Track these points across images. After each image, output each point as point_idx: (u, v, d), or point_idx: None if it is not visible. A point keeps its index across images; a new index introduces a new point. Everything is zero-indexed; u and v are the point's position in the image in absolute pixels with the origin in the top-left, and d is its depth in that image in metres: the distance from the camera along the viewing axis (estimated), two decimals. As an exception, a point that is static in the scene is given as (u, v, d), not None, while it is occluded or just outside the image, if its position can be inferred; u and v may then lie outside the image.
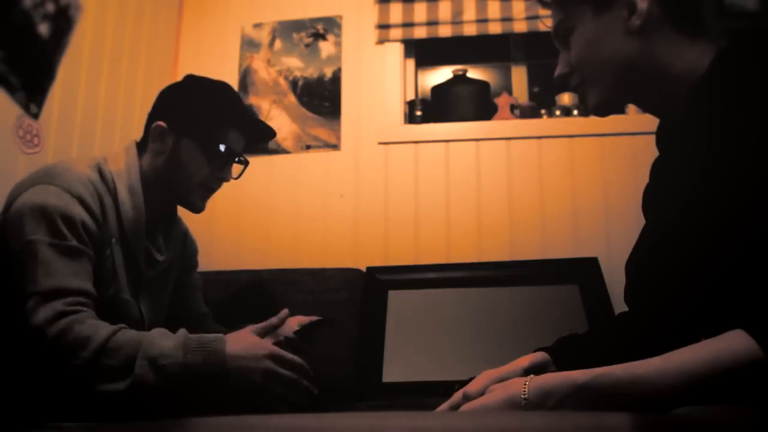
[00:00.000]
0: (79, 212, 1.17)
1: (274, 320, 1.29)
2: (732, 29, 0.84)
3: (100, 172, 1.27)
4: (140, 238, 1.30)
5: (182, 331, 1.15)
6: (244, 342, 1.16)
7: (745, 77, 0.75)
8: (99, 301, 1.17)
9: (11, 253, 1.13)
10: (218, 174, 1.37)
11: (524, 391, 0.72)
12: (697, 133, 0.80)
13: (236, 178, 1.44)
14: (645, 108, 0.91)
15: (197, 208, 1.38)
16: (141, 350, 1.08)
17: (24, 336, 1.07)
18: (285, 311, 1.32)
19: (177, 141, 1.33)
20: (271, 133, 1.45)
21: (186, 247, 1.55)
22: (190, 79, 1.42)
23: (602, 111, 0.92)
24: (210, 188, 1.38)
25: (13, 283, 1.12)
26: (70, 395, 1.11)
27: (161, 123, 1.33)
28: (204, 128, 1.34)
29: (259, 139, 1.47)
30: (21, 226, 1.13)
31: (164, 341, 1.11)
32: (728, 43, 0.82)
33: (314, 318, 1.39)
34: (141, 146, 1.37)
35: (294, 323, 1.36)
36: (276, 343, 1.21)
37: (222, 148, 1.35)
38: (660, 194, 0.93)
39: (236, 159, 1.42)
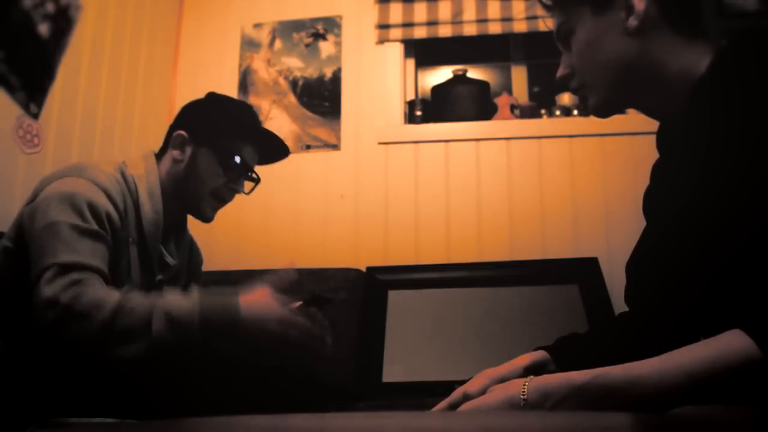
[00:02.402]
0: (104, 203, 1.20)
1: (281, 275, 1.29)
2: (731, 29, 0.84)
3: (123, 174, 1.31)
4: (156, 241, 1.33)
5: (195, 289, 1.18)
6: (258, 294, 1.19)
7: (745, 78, 0.75)
8: (113, 283, 1.18)
9: (35, 234, 1.15)
10: (231, 185, 1.41)
11: (523, 391, 0.73)
12: (697, 135, 0.80)
13: (247, 193, 1.47)
14: (644, 110, 0.92)
15: (207, 217, 1.42)
16: (157, 307, 1.10)
17: (36, 310, 1.08)
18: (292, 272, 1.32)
19: (196, 150, 1.38)
20: (285, 152, 1.48)
21: (192, 255, 1.57)
22: (213, 95, 1.49)
23: (602, 112, 0.93)
24: (222, 199, 1.43)
25: (29, 269, 1.13)
26: (82, 373, 1.11)
27: (182, 132, 1.39)
28: (222, 140, 1.38)
29: (274, 156, 1.50)
30: (47, 209, 1.16)
31: (178, 297, 1.14)
32: (727, 43, 0.82)
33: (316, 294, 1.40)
34: (159, 155, 1.42)
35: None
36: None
37: (237, 160, 1.39)
38: (660, 196, 0.94)
39: (248, 174, 1.45)
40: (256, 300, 1.16)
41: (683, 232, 0.77)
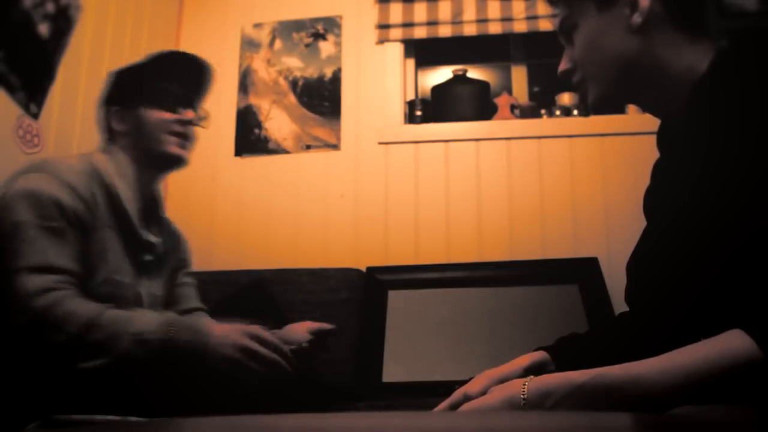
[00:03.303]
0: (67, 198, 1.22)
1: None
2: (732, 29, 0.84)
3: (90, 163, 1.34)
4: (136, 220, 1.36)
5: (169, 312, 1.24)
6: (226, 326, 1.23)
7: (745, 77, 0.75)
8: (85, 281, 1.21)
9: (2, 233, 1.18)
10: (181, 119, 1.43)
11: (523, 391, 0.73)
12: (697, 134, 0.80)
13: (203, 126, 1.49)
14: (645, 108, 0.92)
15: (178, 157, 1.43)
16: (127, 327, 1.13)
17: (10, 312, 1.11)
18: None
19: (134, 113, 1.41)
20: (205, 66, 1.50)
21: (180, 245, 1.58)
22: (115, 71, 1.51)
23: (601, 107, 0.93)
24: (180, 134, 1.43)
25: (3, 266, 1.16)
26: (50, 376, 1.12)
27: (113, 107, 1.43)
28: (147, 90, 1.42)
29: (201, 76, 1.53)
30: (11, 209, 1.19)
31: (149, 319, 1.17)
32: (728, 43, 0.82)
33: (325, 325, 1.42)
34: (109, 142, 1.45)
35: (303, 329, 1.39)
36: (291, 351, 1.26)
37: (168, 89, 1.43)
38: (661, 195, 0.94)
39: (190, 104, 1.47)
40: (225, 329, 1.21)
41: (683, 232, 0.77)
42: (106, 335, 1.12)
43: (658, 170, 0.98)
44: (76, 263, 1.20)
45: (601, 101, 0.91)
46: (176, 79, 1.46)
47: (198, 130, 2.75)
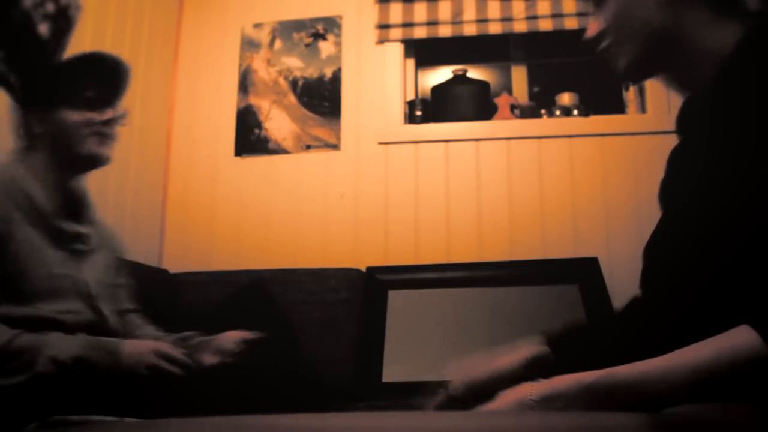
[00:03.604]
0: None
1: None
2: (762, 9, 0.83)
3: (2, 171, 1.35)
4: (57, 218, 1.37)
5: (81, 335, 1.27)
6: (136, 343, 1.31)
7: None
8: (23, 282, 1.25)
9: None
10: (98, 118, 1.42)
11: (532, 394, 0.73)
12: (718, 114, 0.79)
13: (123, 124, 1.49)
14: (671, 82, 0.91)
15: (99, 157, 1.43)
16: (42, 350, 1.19)
17: None
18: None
19: (51, 115, 1.41)
20: (122, 65, 1.49)
21: (114, 244, 1.61)
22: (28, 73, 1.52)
23: (630, 75, 0.92)
24: (98, 134, 1.43)
25: None
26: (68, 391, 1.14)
27: (29, 111, 1.42)
28: (66, 89, 1.42)
29: (118, 75, 1.50)
30: None
31: (63, 342, 1.22)
32: (756, 22, 0.82)
33: (247, 334, 1.45)
34: (28, 145, 1.44)
35: (230, 340, 1.44)
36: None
37: (86, 90, 1.42)
38: (679, 179, 0.93)
39: (108, 101, 1.47)
40: (135, 345, 1.29)
41: (697, 216, 0.76)
42: (21, 362, 1.17)
43: (675, 157, 0.97)
44: None
45: (630, 69, 0.91)
46: (94, 80, 1.45)
47: (198, 130, 2.76)
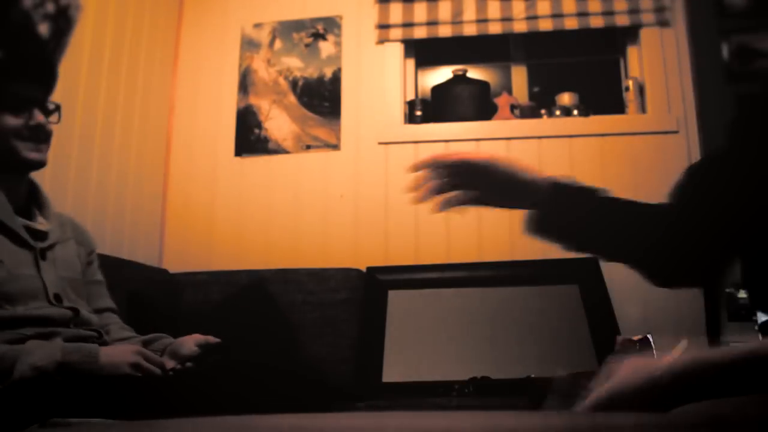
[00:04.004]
0: None
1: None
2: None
3: None
4: (11, 216, 1.35)
5: (58, 340, 1.27)
6: (115, 347, 1.32)
7: None
8: None
9: None
10: (31, 122, 1.38)
11: (659, 369, 0.71)
12: None
13: (56, 122, 1.46)
14: None
15: (35, 162, 1.40)
16: (19, 359, 1.18)
17: None
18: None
19: None
20: (48, 62, 1.47)
21: (82, 236, 1.58)
22: None
23: None
24: (32, 138, 1.39)
25: None
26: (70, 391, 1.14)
27: None
28: None
29: (47, 72, 1.48)
30: None
31: (41, 349, 1.21)
32: None
33: (211, 339, 1.44)
34: None
35: (191, 342, 1.43)
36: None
37: (11, 93, 1.38)
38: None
39: (41, 104, 1.43)
40: (113, 349, 1.30)
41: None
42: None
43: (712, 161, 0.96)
44: None
45: None
46: (25, 79, 1.41)
47: (198, 130, 2.76)
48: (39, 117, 1.39)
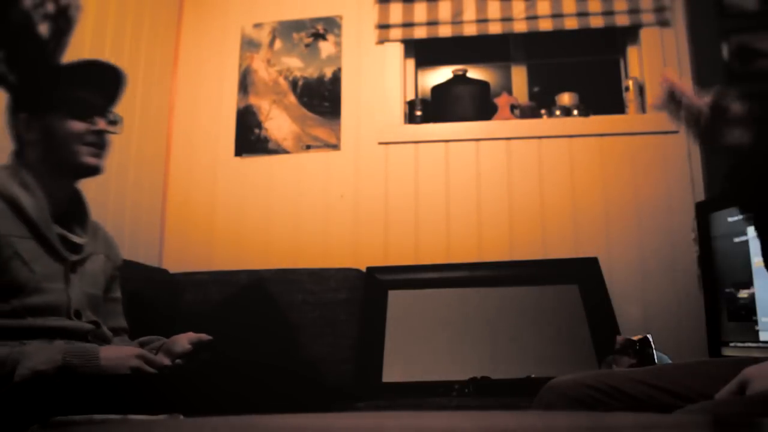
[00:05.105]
0: None
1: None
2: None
3: None
4: (49, 226, 1.35)
5: (59, 342, 1.26)
6: (115, 348, 1.32)
7: None
8: (13, 297, 1.23)
9: None
10: (93, 129, 1.41)
11: None
12: None
13: (116, 132, 1.48)
14: None
15: (92, 167, 1.41)
16: (24, 362, 1.17)
17: None
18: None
19: (42, 120, 1.39)
20: (117, 73, 1.48)
21: (112, 251, 1.59)
22: (22, 75, 1.52)
23: None
24: (93, 143, 1.41)
25: None
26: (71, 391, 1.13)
27: (21, 115, 1.40)
28: (57, 95, 1.40)
29: (110, 83, 1.49)
30: None
31: (42, 352, 1.21)
32: None
33: (204, 336, 1.44)
34: (20, 151, 1.43)
35: (185, 341, 1.43)
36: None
37: (82, 98, 1.41)
38: None
39: (103, 112, 1.45)
40: (115, 351, 1.29)
41: None
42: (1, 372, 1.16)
43: None
44: None
45: None
46: (90, 87, 1.43)
47: (198, 130, 2.76)
48: (101, 124, 1.41)
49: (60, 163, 1.38)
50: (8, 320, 1.23)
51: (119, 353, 1.28)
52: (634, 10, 2.47)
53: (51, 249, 1.34)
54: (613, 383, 0.95)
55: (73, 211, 1.46)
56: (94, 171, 1.42)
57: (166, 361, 1.39)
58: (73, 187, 1.46)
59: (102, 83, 1.46)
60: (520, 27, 2.52)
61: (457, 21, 2.55)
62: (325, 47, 2.64)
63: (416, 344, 2.05)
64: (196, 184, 2.59)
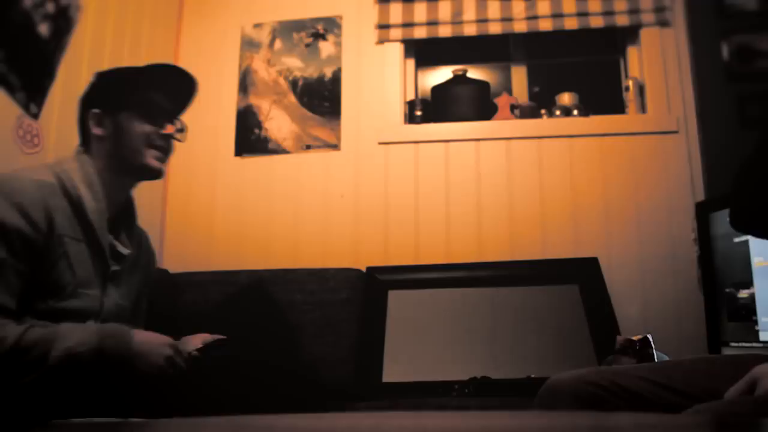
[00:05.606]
0: (14, 221, 1.20)
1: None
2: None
3: (56, 175, 1.31)
4: (105, 233, 1.35)
5: (92, 323, 1.26)
6: (149, 333, 1.31)
7: None
8: (16, 313, 1.21)
9: None
10: (160, 131, 1.42)
11: None
12: None
13: (181, 140, 1.49)
14: None
15: (155, 169, 1.42)
16: (56, 343, 1.16)
17: None
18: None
19: (115, 118, 1.40)
20: (191, 81, 1.50)
21: (150, 261, 1.59)
22: (100, 71, 1.49)
23: None
24: (159, 147, 1.42)
25: None
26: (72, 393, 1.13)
27: (95, 110, 1.40)
28: (132, 96, 1.41)
29: (185, 92, 1.51)
30: None
31: (77, 332, 1.20)
32: None
33: (218, 337, 1.44)
34: (85, 146, 1.43)
35: (198, 341, 1.43)
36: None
37: (156, 101, 1.43)
38: None
39: (172, 119, 1.47)
40: (147, 336, 1.29)
41: None
42: (35, 355, 1.15)
43: None
44: (9, 295, 1.19)
45: None
46: (164, 91, 1.45)
47: (198, 130, 2.76)
48: (170, 129, 1.43)
49: (124, 162, 1.39)
50: (43, 319, 1.22)
51: (152, 339, 1.28)
52: (634, 10, 2.47)
53: (99, 255, 1.33)
54: (615, 380, 0.95)
55: (123, 217, 1.46)
56: (156, 174, 1.42)
57: (192, 349, 1.38)
58: (130, 190, 1.46)
59: (176, 89, 1.48)
60: (520, 27, 2.52)
61: (457, 21, 2.55)
62: (325, 47, 2.64)
63: (416, 344, 2.05)
64: (196, 184, 2.59)
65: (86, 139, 1.42)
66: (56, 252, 1.25)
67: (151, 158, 1.40)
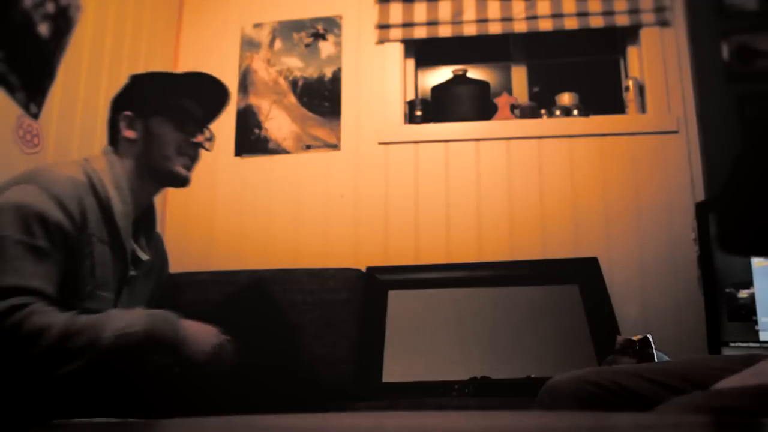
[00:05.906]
0: (54, 213, 1.20)
1: None
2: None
3: (86, 173, 1.31)
4: (129, 237, 1.35)
5: (139, 308, 1.26)
6: (195, 323, 1.31)
7: None
8: (59, 302, 1.20)
9: None
10: (191, 140, 1.44)
11: None
12: None
13: (208, 149, 1.51)
14: None
15: (182, 176, 1.43)
16: (104, 327, 1.15)
17: None
18: None
19: (146, 121, 1.40)
20: (224, 91, 1.50)
21: (164, 267, 1.61)
22: (135, 75, 1.50)
23: None
24: (188, 154, 1.44)
25: None
26: (29, 384, 1.13)
27: (127, 112, 1.41)
28: (165, 101, 1.42)
29: (216, 100, 1.51)
30: None
31: (126, 315, 1.20)
32: None
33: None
34: (112, 145, 1.44)
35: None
36: None
37: (189, 109, 1.44)
38: None
39: (201, 127, 1.48)
40: (195, 324, 1.29)
41: None
42: (85, 340, 1.13)
43: None
44: (52, 284, 1.19)
45: None
46: (197, 99, 1.45)
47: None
48: (199, 137, 1.44)
49: (152, 167, 1.39)
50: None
51: (201, 327, 1.28)
52: (634, 10, 2.47)
53: (120, 259, 1.33)
54: (615, 380, 0.95)
55: (144, 222, 1.46)
56: (182, 181, 1.43)
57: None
58: (154, 195, 1.47)
59: (208, 98, 1.48)
60: (520, 27, 2.52)
61: (457, 21, 2.55)
62: (325, 47, 2.64)
63: (416, 344, 2.05)
64: (196, 184, 2.57)
65: (114, 140, 1.42)
66: (84, 251, 1.25)
67: (179, 165, 1.41)
